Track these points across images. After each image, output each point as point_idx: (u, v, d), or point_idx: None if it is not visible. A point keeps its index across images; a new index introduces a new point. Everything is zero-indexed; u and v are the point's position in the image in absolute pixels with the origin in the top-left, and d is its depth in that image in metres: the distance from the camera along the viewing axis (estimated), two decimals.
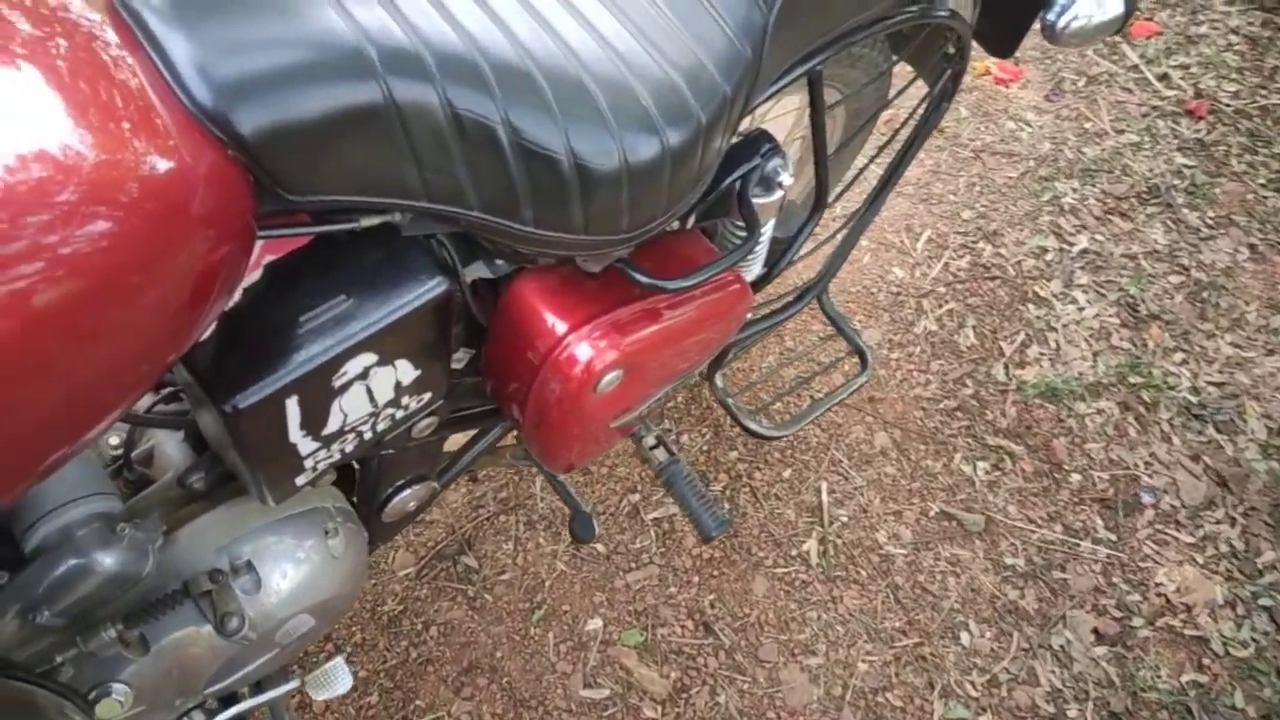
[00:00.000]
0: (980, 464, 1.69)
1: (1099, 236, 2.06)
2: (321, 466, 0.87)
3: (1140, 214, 2.11)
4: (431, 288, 0.78)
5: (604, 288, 0.93)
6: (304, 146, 0.64)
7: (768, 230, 1.12)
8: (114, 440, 0.96)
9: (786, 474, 1.65)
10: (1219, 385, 1.83)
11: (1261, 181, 2.18)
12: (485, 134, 0.71)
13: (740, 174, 0.97)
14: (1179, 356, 1.87)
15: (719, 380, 1.35)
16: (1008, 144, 2.25)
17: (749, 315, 1.41)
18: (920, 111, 1.38)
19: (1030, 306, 1.93)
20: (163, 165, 0.57)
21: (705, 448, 1.66)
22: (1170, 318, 1.93)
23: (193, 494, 0.94)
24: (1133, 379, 1.82)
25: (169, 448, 0.97)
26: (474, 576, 1.48)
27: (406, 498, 1.08)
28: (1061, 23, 1.20)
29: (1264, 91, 2.38)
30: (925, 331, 1.88)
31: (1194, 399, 1.80)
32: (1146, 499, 1.67)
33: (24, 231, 0.51)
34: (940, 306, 1.92)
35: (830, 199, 1.48)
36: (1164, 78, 2.42)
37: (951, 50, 1.28)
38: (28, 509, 0.82)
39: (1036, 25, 1.24)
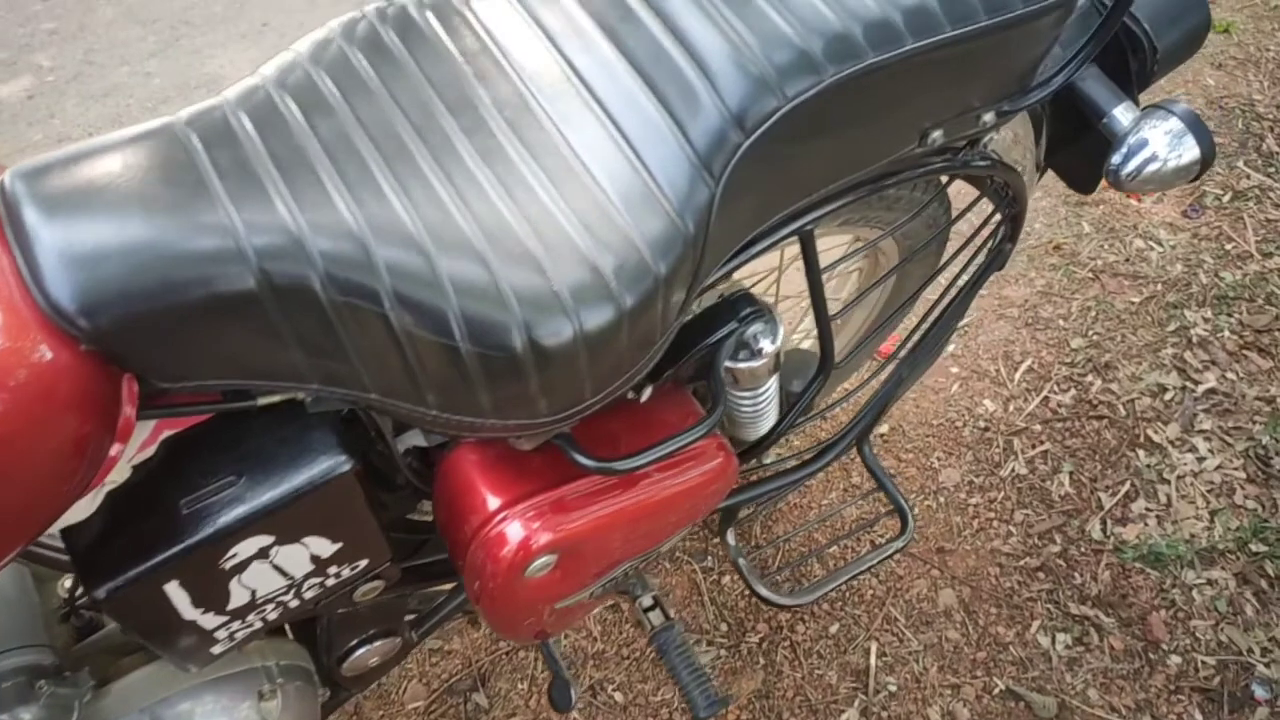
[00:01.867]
0: (1060, 636, 1.50)
1: (1230, 375, 1.84)
2: (240, 636, 0.84)
3: None
4: (329, 468, 0.74)
5: (551, 461, 0.86)
6: (168, 339, 0.61)
7: (768, 387, 1.02)
8: (66, 583, 0.96)
9: (833, 629, 1.51)
10: None
11: None
12: (372, 320, 0.67)
13: (712, 341, 0.89)
14: None
15: (731, 538, 1.25)
16: (1133, 264, 2.05)
17: (763, 468, 1.31)
18: (980, 243, 1.26)
19: (1140, 453, 1.73)
20: (19, 356, 0.57)
21: (745, 592, 1.55)
22: None
23: (135, 643, 0.93)
24: (1255, 547, 1.59)
25: None
26: (483, 717, 1.41)
27: (368, 653, 1.03)
28: (1128, 169, 1.07)
29: None
30: (1013, 475, 1.71)
31: None
32: (1260, 693, 1.43)
33: None
34: (1034, 447, 1.75)
35: (881, 334, 1.36)
36: None
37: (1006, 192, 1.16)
38: None
39: None
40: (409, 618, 1.10)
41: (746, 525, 1.61)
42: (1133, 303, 1.98)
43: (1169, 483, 1.69)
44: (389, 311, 0.67)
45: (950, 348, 1.91)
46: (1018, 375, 1.86)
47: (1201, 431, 1.75)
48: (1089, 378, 1.85)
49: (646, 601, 1.15)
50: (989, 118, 0.92)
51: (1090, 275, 2.04)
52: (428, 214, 0.70)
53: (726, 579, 1.57)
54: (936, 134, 0.89)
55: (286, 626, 1.04)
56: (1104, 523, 1.64)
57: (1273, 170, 2.24)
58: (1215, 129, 2.35)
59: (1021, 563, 1.59)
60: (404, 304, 0.66)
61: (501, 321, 0.68)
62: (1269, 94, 2.46)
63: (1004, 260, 1.28)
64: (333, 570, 0.83)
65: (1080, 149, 1.21)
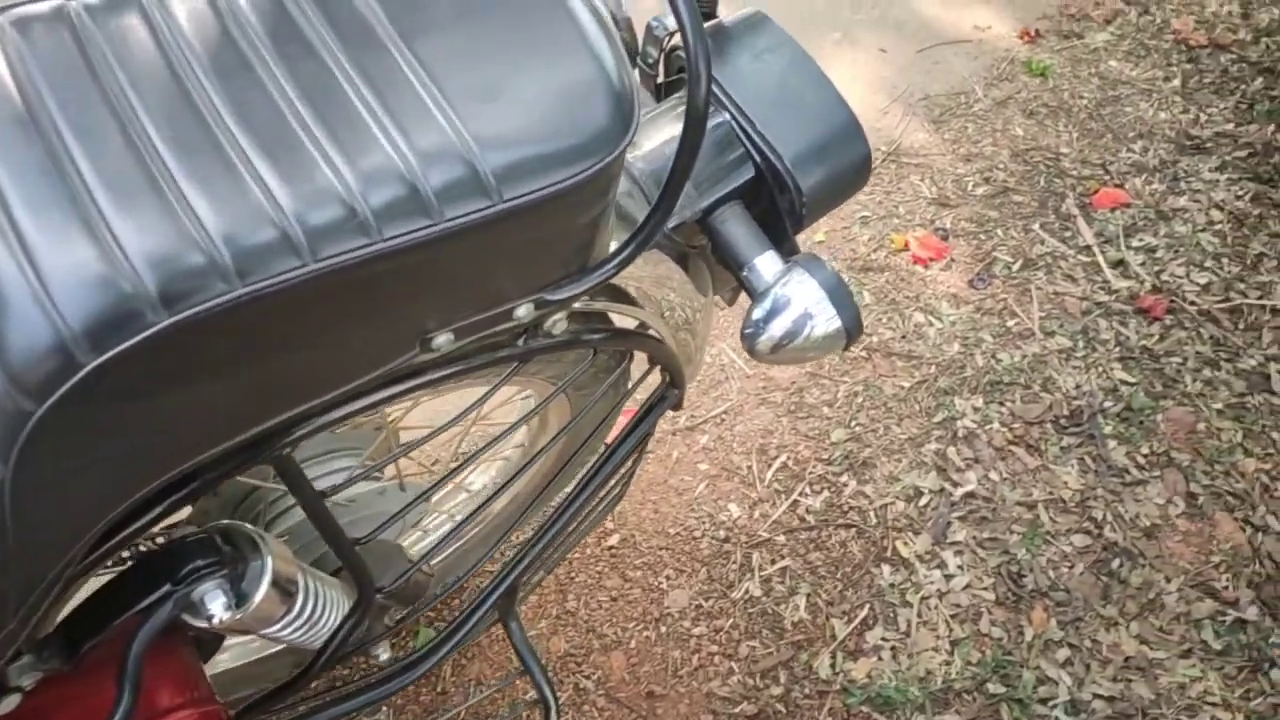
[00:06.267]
0: None
1: (993, 475, 1.70)
2: None
3: (1053, 446, 1.74)
4: None
5: None
6: None
7: (298, 609, 0.81)
8: None
9: None
10: (1109, 699, 1.45)
11: (1218, 407, 1.79)
12: None
13: (127, 617, 0.68)
14: (1063, 653, 1.49)
15: None
16: (909, 342, 1.90)
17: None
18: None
19: (885, 569, 1.58)
20: None
21: None
22: (1062, 596, 1.55)
23: None
24: (993, 687, 1.45)
25: None
26: None
27: None
28: (766, 335, 0.89)
29: (1241, 286, 1.99)
30: (745, 598, 1.54)
31: (1071, 717, 1.42)
32: None
33: None
34: (773, 563, 1.58)
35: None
36: (1120, 264, 2.05)
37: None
38: None
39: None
40: None
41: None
42: (903, 388, 1.83)
43: (911, 605, 1.54)
44: None
45: (703, 439, 1.74)
46: (770, 474, 1.70)
47: (954, 544, 1.61)
48: (844, 478, 1.69)
49: None
50: (523, 311, 0.71)
51: (864, 354, 1.88)
52: None
53: None
54: (443, 339, 0.68)
55: None
56: (834, 656, 1.48)
57: (1068, 235, 2.12)
58: (1016, 185, 2.23)
59: (738, 709, 1.42)
60: None
61: None
62: (1076, 147, 2.34)
63: (675, 401, 1.10)
64: None
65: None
